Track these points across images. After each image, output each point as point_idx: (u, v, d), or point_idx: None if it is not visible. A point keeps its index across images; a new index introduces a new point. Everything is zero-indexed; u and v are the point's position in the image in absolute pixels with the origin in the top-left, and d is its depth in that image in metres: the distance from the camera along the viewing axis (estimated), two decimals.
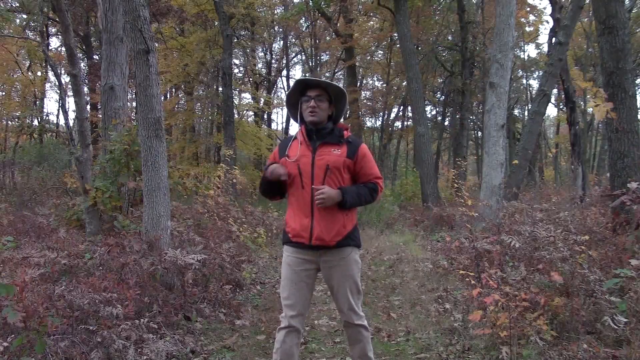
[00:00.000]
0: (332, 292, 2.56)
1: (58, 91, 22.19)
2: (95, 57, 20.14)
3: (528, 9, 20.38)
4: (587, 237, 4.16)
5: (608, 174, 5.95)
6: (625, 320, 3.06)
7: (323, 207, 2.42)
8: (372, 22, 24.64)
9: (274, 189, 2.58)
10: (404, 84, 22.56)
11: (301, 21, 24.44)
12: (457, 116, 21.05)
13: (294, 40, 27.59)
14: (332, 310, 4.86)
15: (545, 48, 22.72)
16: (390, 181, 24.43)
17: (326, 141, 2.52)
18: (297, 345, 2.47)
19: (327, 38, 26.29)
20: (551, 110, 37.37)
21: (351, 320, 2.53)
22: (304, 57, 29.12)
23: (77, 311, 3.28)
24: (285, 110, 33.52)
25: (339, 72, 29.14)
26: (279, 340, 2.45)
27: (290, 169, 2.49)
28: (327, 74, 29.11)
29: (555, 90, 21.10)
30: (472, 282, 4.22)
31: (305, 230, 2.44)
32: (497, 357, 3.11)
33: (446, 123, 26.42)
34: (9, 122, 24.62)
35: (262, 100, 23.83)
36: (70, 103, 31.12)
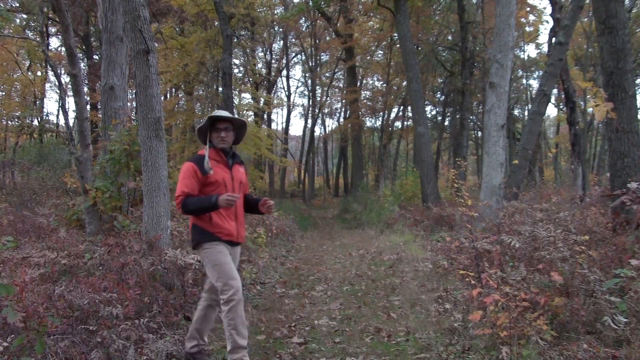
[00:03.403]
0: None
1: (58, 91, 22.20)
2: (95, 57, 20.13)
3: (528, 9, 20.36)
4: (587, 237, 4.16)
5: (608, 174, 5.95)
6: (625, 320, 3.06)
7: (242, 213, 3.26)
8: (372, 22, 24.63)
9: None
10: (404, 84, 22.54)
11: (301, 21, 24.44)
12: (457, 116, 21.04)
13: (294, 40, 27.60)
14: (332, 310, 4.86)
15: (545, 48, 22.74)
16: (391, 181, 24.43)
17: (236, 161, 3.28)
18: None
19: (327, 38, 26.29)
20: (551, 110, 37.42)
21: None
22: (304, 57, 29.16)
23: (77, 311, 3.28)
24: (285, 110, 33.59)
25: (339, 72, 29.14)
26: (237, 309, 2.99)
27: (217, 184, 3.10)
28: (327, 74, 29.13)
29: (555, 90, 21.07)
30: (472, 282, 4.22)
31: (234, 230, 3.17)
32: (497, 357, 3.11)
33: (446, 123, 26.40)
34: (9, 122, 24.61)
35: (262, 100, 23.82)
36: (70, 103, 31.18)
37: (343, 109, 31.26)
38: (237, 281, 3.03)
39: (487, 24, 19.01)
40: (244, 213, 3.34)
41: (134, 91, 13.74)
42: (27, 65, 24.32)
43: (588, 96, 18.68)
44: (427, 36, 21.27)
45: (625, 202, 4.21)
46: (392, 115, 26.64)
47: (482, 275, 4.06)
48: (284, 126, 31.71)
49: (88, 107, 15.10)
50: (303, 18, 23.73)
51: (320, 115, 30.17)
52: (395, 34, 17.81)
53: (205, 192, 3.08)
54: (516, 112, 26.88)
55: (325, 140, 34.56)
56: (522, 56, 24.65)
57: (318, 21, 24.18)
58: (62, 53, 21.38)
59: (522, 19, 20.28)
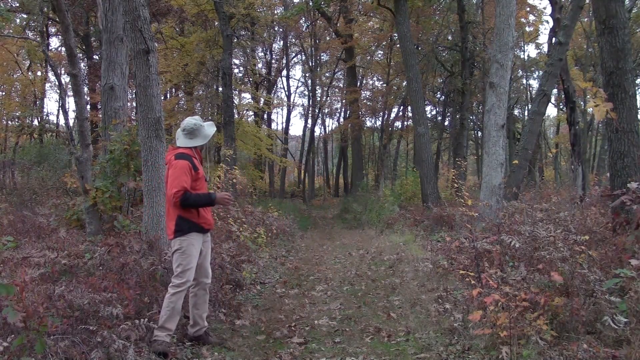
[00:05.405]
0: (204, 259, 3.70)
1: (58, 91, 22.16)
2: (95, 57, 20.12)
3: (528, 9, 20.35)
4: (587, 237, 4.16)
5: (608, 174, 5.94)
6: (625, 320, 3.06)
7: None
8: (372, 22, 24.61)
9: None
10: (404, 84, 22.52)
11: (301, 21, 24.43)
12: (457, 116, 21.02)
13: (294, 40, 27.57)
14: (332, 310, 4.86)
15: (545, 48, 22.70)
16: (391, 181, 24.42)
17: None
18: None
19: (327, 38, 26.27)
20: (551, 110, 37.26)
21: (209, 280, 3.79)
22: (304, 57, 29.15)
23: (77, 311, 3.28)
24: (285, 110, 33.57)
25: (339, 72, 29.12)
26: (180, 297, 3.44)
27: (202, 178, 3.66)
28: (327, 74, 29.13)
29: (555, 90, 21.05)
30: (472, 282, 4.22)
31: (212, 220, 3.77)
32: (497, 357, 3.11)
33: (446, 123, 26.38)
34: (9, 122, 24.59)
35: (262, 100, 23.81)
36: (70, 103, 31.13)
37: (343, 109, 31.25)
38: (192, 277, 3.53)
39: (487, 24, 18.99)
40: None
41: (134, 91, 13.73)
42: (27, 65, 24.29)
43: (588, 96, 18.68)
44: (427, 36, 21.23)
45: (625, 202, 4.20)
46: (392, 115, 26.63)
47: (482, 275, 4.07)
48: (284, 126, 31.72)
49: (88, 107, 15.11)
50: (303, 18, 23.72)
51: (320, 115, 30.16)
52: (395, 34, 17.79)
53: (192, 186, 3.55)
54: (516, 112, 26.85)
55: (325, 140, 34.55)
56: (522, 56, 24.64)
57: (318, 21, 24.18)
58: (62, 53, 21.37)
59: (522, 19, 20.26)
